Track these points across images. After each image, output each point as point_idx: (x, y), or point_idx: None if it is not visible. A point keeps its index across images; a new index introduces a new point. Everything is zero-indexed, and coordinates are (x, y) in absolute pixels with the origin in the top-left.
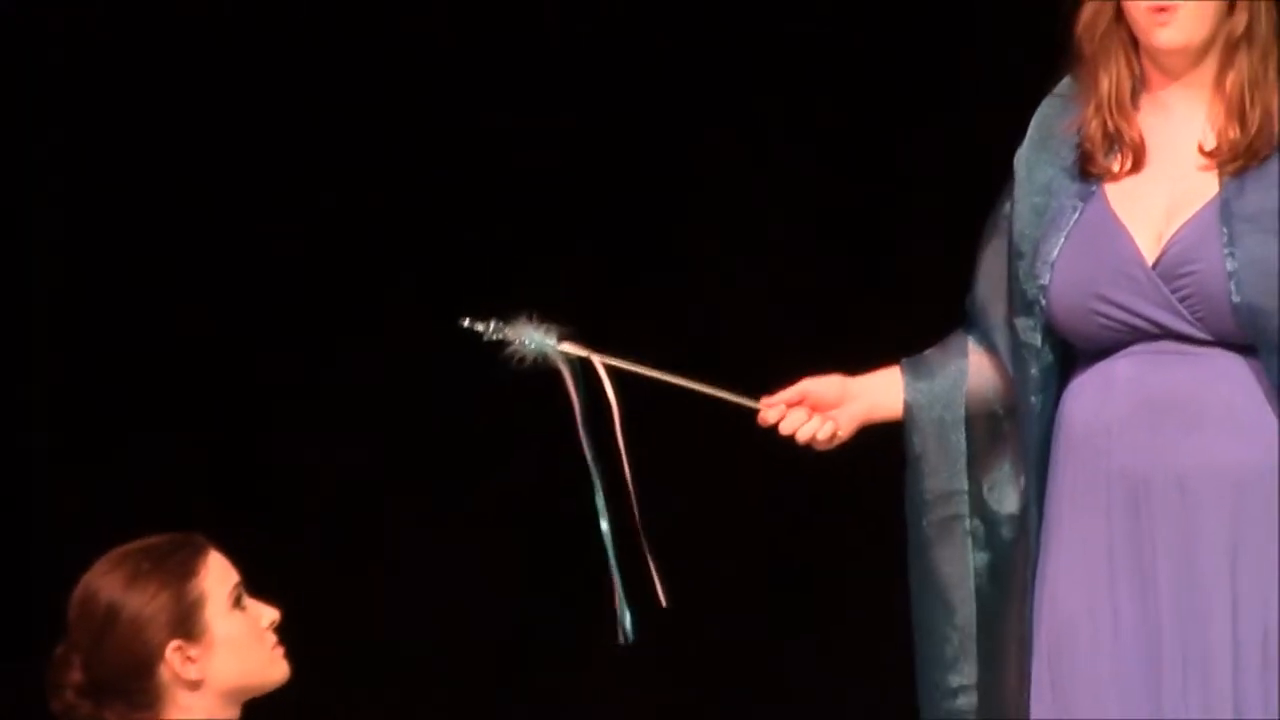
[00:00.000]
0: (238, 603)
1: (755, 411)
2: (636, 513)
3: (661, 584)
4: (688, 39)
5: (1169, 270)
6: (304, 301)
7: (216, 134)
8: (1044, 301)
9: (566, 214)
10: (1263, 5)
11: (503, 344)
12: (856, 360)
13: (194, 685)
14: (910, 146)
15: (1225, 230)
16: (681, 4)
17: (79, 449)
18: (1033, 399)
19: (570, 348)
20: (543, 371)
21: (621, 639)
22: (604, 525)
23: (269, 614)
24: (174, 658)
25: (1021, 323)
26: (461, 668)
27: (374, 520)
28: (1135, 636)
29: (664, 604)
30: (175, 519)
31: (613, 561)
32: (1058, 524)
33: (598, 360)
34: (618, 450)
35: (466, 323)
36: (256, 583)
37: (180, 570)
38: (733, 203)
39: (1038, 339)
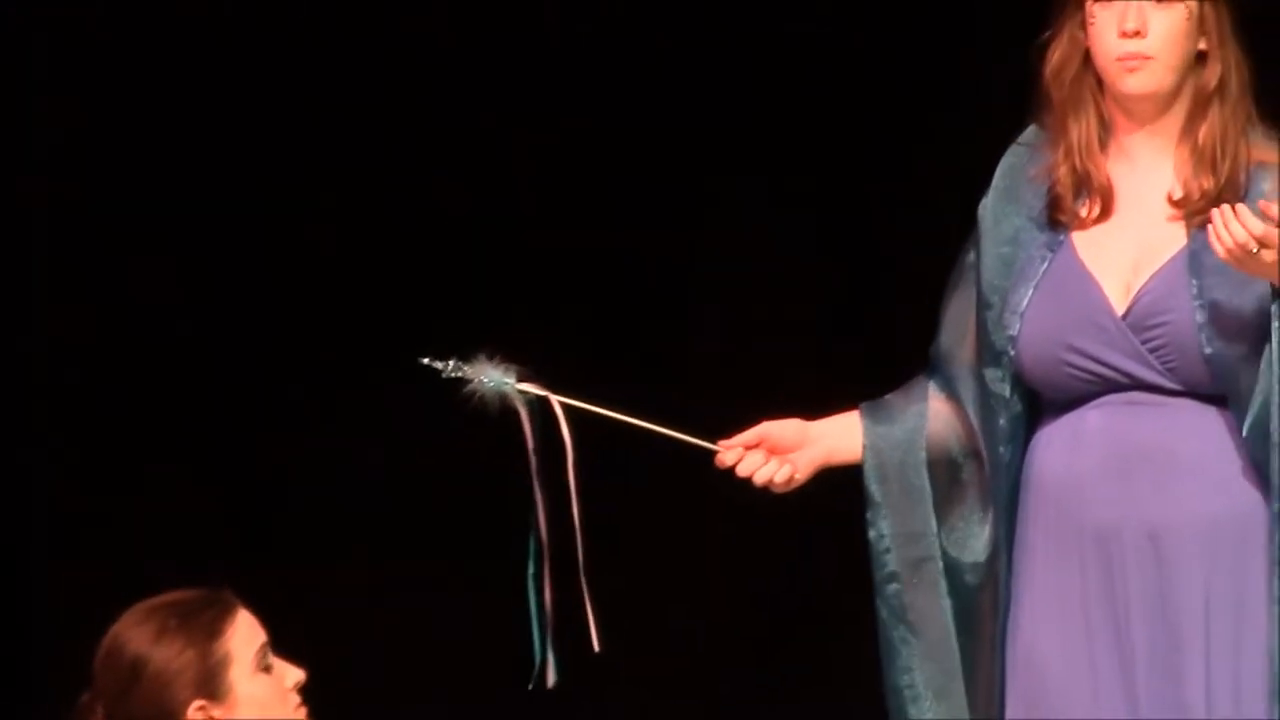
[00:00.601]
0: (264, 663)
1: (714, 453)
2: (581, 553)
3: (597, 627)
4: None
5: (1139, 321)
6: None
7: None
8: (1013, 352)
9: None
10: (1233, 59)
11: (461, 382)
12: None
13: None
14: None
15: (1195, 282)
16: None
17: (87, 481)
18: (1001, 449)
19: (528, 387)
20: (500, 410)
21: (546, 683)
22: (532, 568)
23: (294, 675)
24: (196, 716)
25: (990, 373)
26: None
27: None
28: (1112, 692)
29: (597, 648)
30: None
31: (533, 606)
32: (1029, 577)
33: (555, 400)
34: (569, 491)
35: (425, 361)
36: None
37: (208, 629)
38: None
39: (1006, 389)
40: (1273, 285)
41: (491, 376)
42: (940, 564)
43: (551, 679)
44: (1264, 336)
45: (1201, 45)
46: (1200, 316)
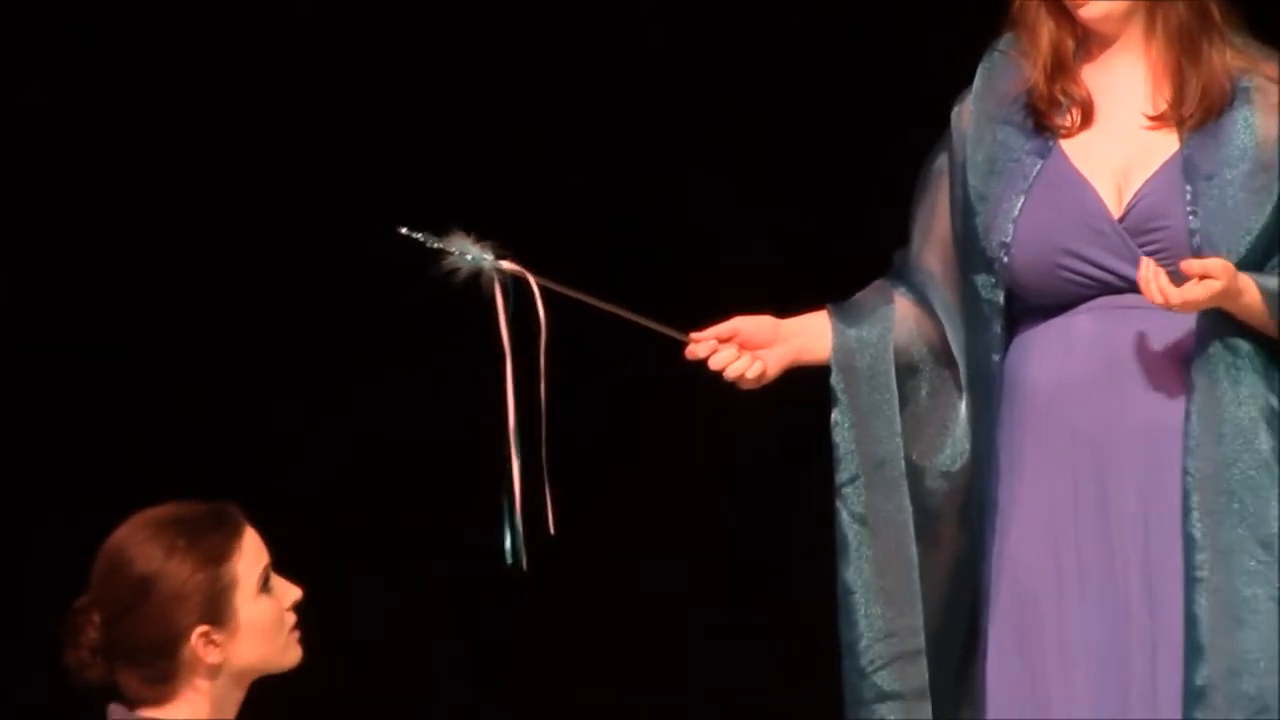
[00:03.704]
0: (265, 585)
1: (684, 344)
2: (544, 434)
3: (555, 510)
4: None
5: (1136, 225)
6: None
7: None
8: (1006, 258)
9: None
10: None
11: (441, 254)
12: None
13: (213, 671)
14: None
15: (1189, 188)
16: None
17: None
18: (994, 357)
19: (507, 265)
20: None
21: (509, 562)
22: (514, 453)
23: (292, 594)
24: (198, 642)
25: (981, 280)
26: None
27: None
28: (1102, 600)
29: (552, 530)
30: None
31: (516, 476)
32: (1017, 485)
33: (533, 279)
34: (539, 370)
35: (405, 231)
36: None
37: (217, 551)
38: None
39: (1000, 295)
40: (1272, 207)
41: (471, 251)
42: (902, 468)
43: (512, 558)
44: (1258, 245)
45: None
46: (1194, 223)
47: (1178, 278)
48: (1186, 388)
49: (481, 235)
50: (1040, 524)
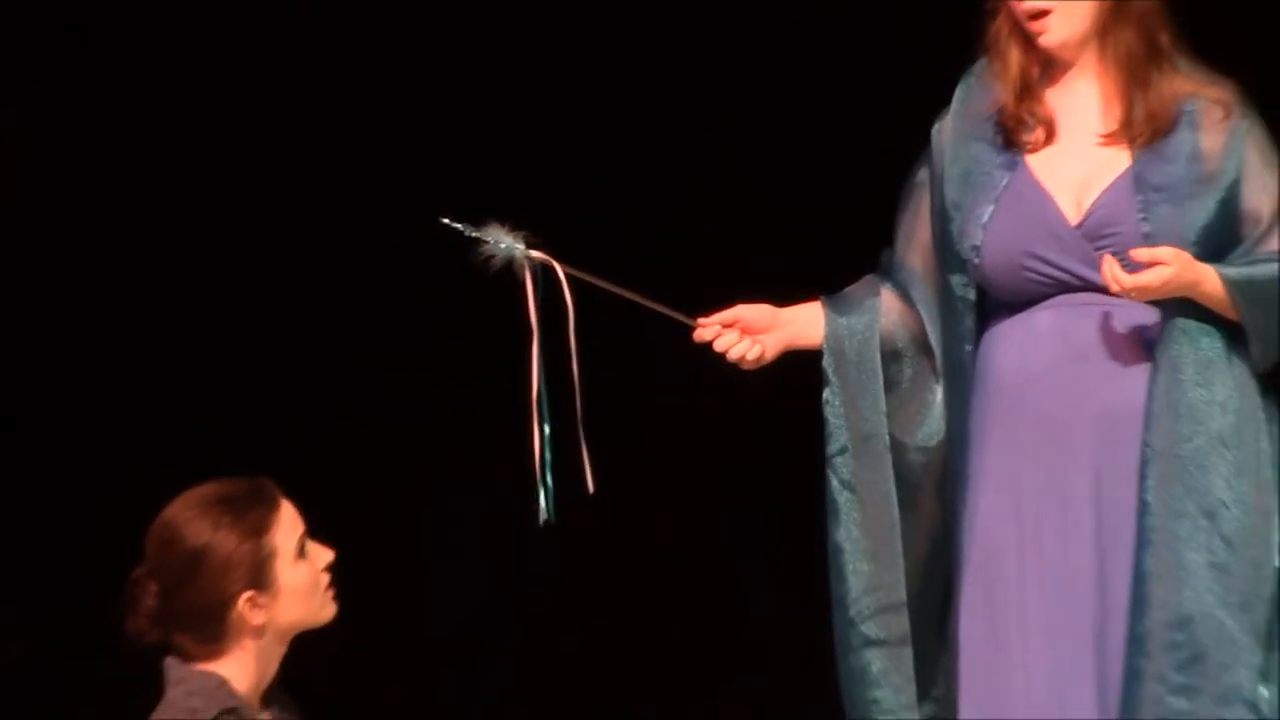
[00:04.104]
0: (302, 551)
1: (691, 328)
2: (579, 404)
3: (592, 470)
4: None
5: (1092, 231)
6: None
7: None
8: (977, 260)
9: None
10: (1136, 3)
11: (477, 243)
12: None
13: (258, 630)
14: None
15: (1140, 198)
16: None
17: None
18: (966, 347)
19: (536, 254)
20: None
21: (542, 519)
22: (539, 410)
23: (325, 556)
24: (244, 606)
25: (955, 279)
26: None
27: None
28: (1064, 580)
29: (591, 489)
30: None
31: (537, 443)
32: (984, 462)
33: (559, 267)
34: (568, 349)
35: (446, 221)
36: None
37: (258, 524)
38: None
39: (972, 293)
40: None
41: (505, 240)
42: (887, 442)
43: (545, 514)
44: (1201, 247)
45: None
46: (1146, 228)
47: (1132, 268)
48: (1142, 373)
49: (514, 226)
50: (1005, 495)
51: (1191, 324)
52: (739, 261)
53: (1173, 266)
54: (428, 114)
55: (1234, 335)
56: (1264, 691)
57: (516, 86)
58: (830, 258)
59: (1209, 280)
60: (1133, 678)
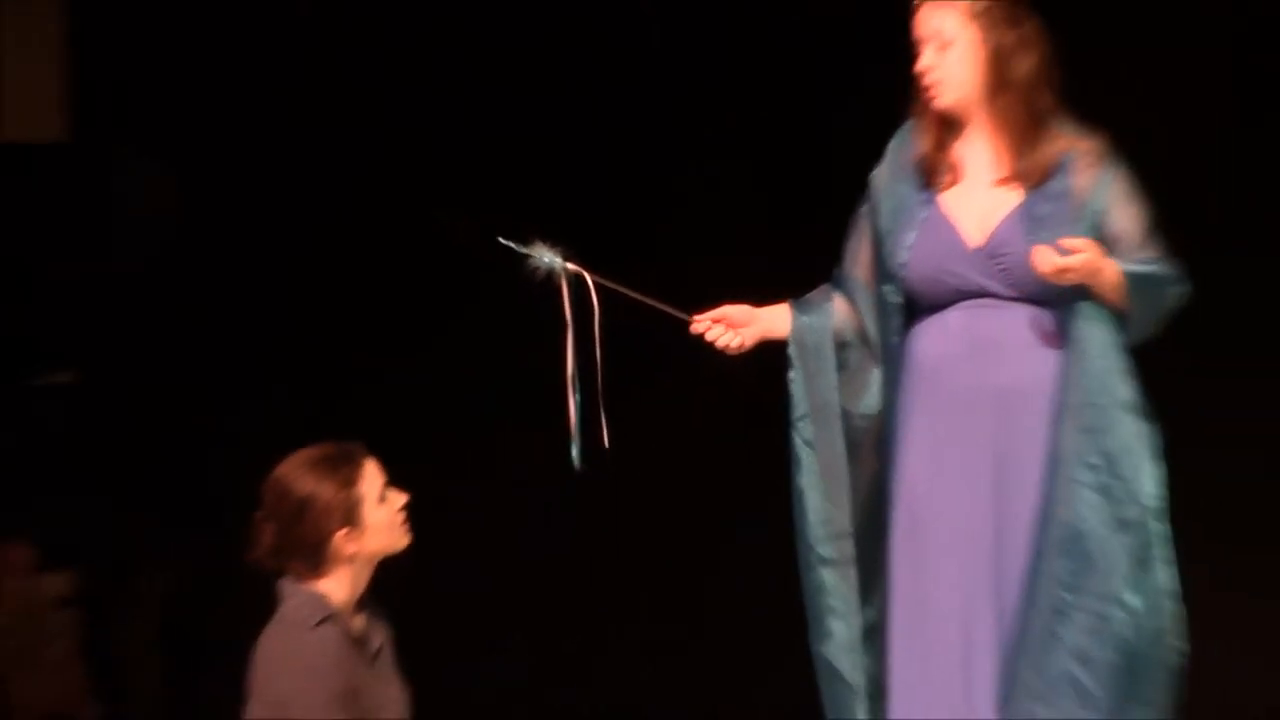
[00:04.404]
0: (383, 496)
1: (689, 322)
2: (600, 380)
3: (608, 428)
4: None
5: (991, 252)
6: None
7: None
8: (903, 274)
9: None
10: (1017, 70)
11: (527, 258)
12: None
13: (351, 557)
14: None
15: (1027, 227)
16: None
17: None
18: (894, 339)
19: (572, 266)
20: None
21: (575, 466)
22: (572, 384)
23: (400, 499)
24: (340, 540)
25: (888, 288)
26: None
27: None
28: (967, 517)
29: (606, 444)
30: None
31: (572, 411)
32: (909, 429)
33: (589, 276)
34: (593, 340)
35: (502, 240)
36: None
37: (350, 477)
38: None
39: (899, 299)
40: (1085, 228)
41: (547, 255)
42: (838, 410)
43: (578, 459)
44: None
45: (990, 55)
46: (1031, 246)
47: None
48: (1028, 355)
49: (553, 243)
50: (925, 453)
51: (1092, 310)
52: (728, 263)
53: (1088, 253)
54: (427, 114)
55: (1118, 321)
56: (1133, 599)
57: (516, 89)
58: (803, 268)
59: (1110, 269)
60: (1034, 576)
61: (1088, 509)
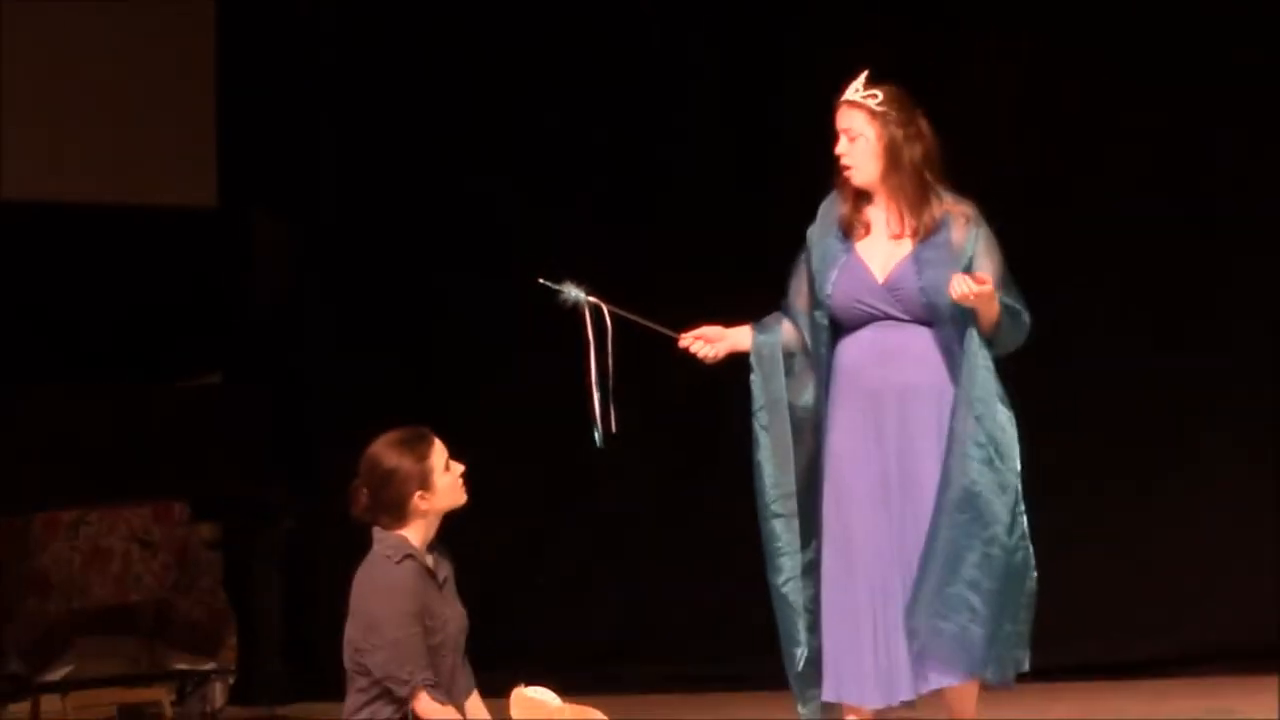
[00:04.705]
0: (447, 466)
1: (676, 339)
2: (610, 384)
3: (616, 419)
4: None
5: (891, 286)
6: None
7: None
8: (829, 303)
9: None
10: (906, 153)
11: (559, 293)
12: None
13: (425, 512)
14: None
15: (916, 269)
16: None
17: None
18: (823, 351)
19: (591, 298)
20: (574, 307)
21: (597, 443)
22: (596, 391)
23: (459, 468)
24: (417, 500)
25: (817, 314)
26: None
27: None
28: (877, 481)
29: (614, 429)
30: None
31: (597, 406)
32: (835, 421)
33: (605, 306)
34: (607, 357)
35: (541, 280)
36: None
37: (423, 453)
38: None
39: (826, 321)
40: (960, 269)
41: (574, 289)
42: (786, 403)
43: (599, 440)
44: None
45: (886, 146)
46: (921, 283)
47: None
48: (921, 362)
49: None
50: (846, 436)
51: (975, 332)
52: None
53: (989, 285)
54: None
55: (991, 339)
56: (1007, 541)
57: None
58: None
59: (995, 301)
60: (934, 525)
61: (979, 475)
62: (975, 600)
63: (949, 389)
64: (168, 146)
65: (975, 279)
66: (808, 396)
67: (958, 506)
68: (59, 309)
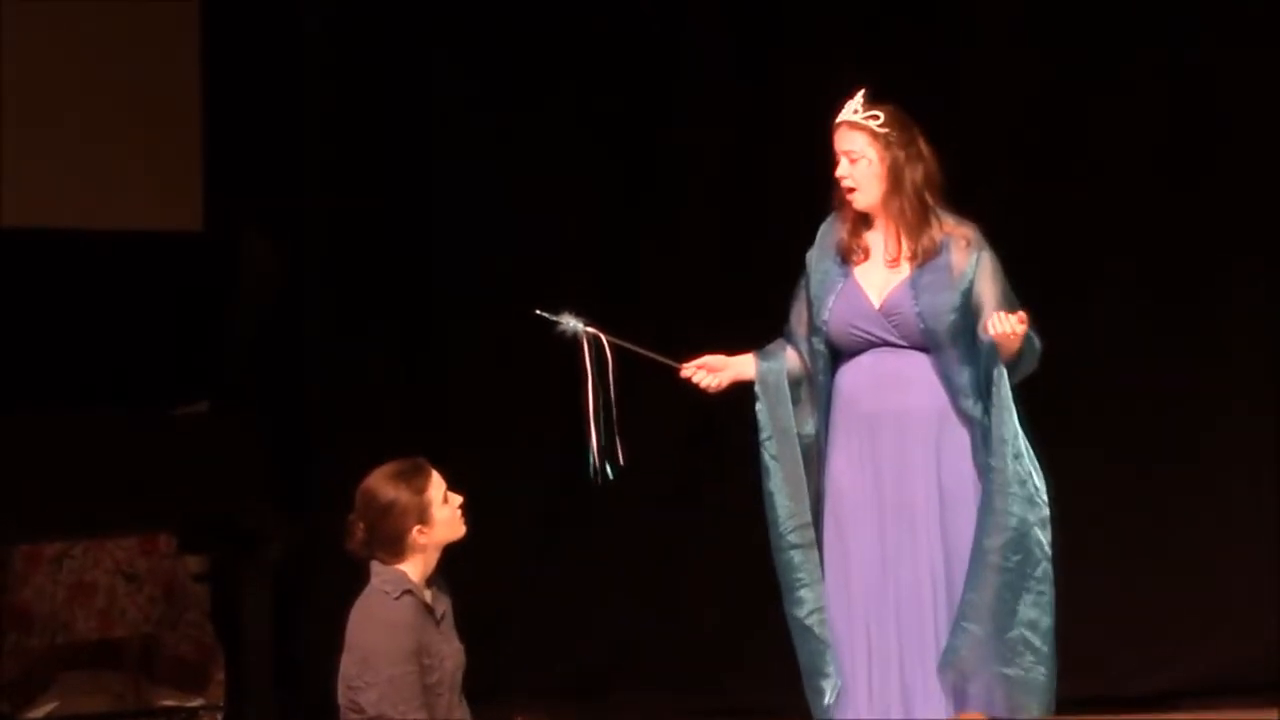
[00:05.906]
0: (445, 499)
1: (678, 369)
2: (615, 415)
3: (623, 453)
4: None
5: (887, 312)
6: None
7: None
8: (826, 330)
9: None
10: (908, 175)
11: (556, 324)
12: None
13: (424, 546)
14: None
15: (914, 294)
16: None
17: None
18: (821, 377)
19: (590, 328)
20: (574, 342)
21: (599, 480)
22: (593, 431)
23: (457, 500)
24: (415, 534)
25: (815, 340)
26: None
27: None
28: (873, 507)
29: (621, 463)
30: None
31: (594, 444)
32: (835, 442)
33: (604, 337)
34: (608, 387)
35: (538, 311)
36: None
37: (420, 486)
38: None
39: (824, 348)
40: (959, 294)
41: (572, 320)
42: (793, 431)
43: (601, 478)
44: (950, 322)
45: (888, 168)
46: (917, 308)
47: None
48: (919, 385)
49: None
50: (844, 461)
51: (1003, 370)
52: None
53: (1025, 326)
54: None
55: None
56: (1050, 573)
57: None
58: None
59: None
60: (980, 568)
61: (1026, 513)
62: (1035, 640)
63: (947, 414)
64: (152, 171)
65: (1019, 316)
66: (811, 425)
67: (1011, 548)
68: (40, 336)
